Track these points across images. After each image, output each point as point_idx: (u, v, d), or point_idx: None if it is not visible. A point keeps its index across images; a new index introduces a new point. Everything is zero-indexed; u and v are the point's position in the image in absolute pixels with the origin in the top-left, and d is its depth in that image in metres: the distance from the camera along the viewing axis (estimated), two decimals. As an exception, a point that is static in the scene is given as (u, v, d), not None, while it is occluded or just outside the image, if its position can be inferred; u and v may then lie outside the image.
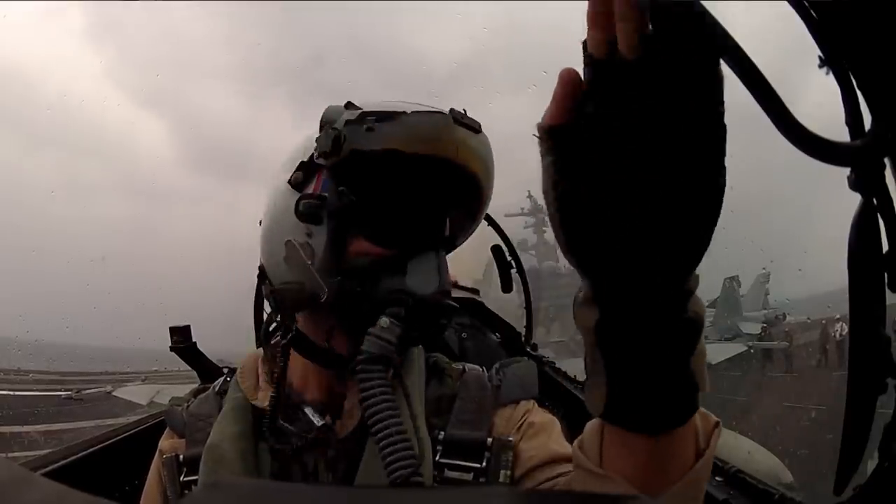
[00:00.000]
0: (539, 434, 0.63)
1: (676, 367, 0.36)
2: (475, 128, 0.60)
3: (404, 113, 0.57)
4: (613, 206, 0.33)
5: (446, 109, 0.60)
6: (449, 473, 0.61)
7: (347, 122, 0.57)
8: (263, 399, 0.64)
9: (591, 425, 0.45)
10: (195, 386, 0.91)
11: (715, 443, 0.42)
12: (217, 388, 0.72)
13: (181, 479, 0.65)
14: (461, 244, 0.75)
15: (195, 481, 0.63)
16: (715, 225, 0.33)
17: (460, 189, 0.62)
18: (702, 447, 0.41)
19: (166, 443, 0.70)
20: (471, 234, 0.74)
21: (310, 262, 0.58)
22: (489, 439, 0.62)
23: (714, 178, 0.31)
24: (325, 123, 0.59)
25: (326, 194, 0.58)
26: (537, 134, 0.35)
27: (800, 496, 0.92)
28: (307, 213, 0.58)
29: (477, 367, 0.72)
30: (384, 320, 0.55)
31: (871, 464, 0.40)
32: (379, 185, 0.58)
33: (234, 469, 0.60)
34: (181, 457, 0.66)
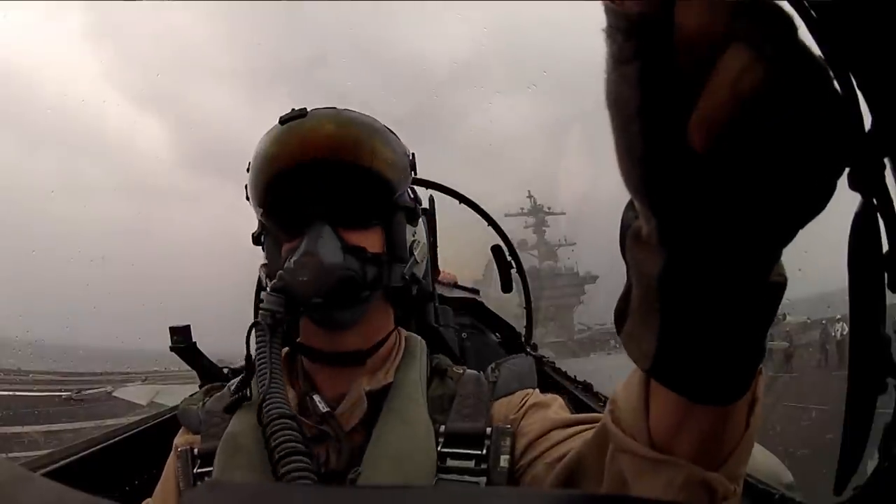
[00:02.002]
0: (539, 409, 0.65)
1: (754, 336, 0.31)
2: (301, 114, 0.68)
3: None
4: (720, 144, 0.23)
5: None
6: (451, 462, 0.63)
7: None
8: None
9: (628, 401, 0.41)
10: (198, 386, 0.92)
11: (761, 391, 0.38)
12: (233, 387, 0.73)
13: (195, 471, 0.67)
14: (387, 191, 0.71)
15: (209, 473, 0.65)
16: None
17: (330, 172, 0.67)
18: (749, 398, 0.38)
19: (181, 438, 0.73)
20: (383, 175, 0.70)
21: (265, 274, 0.73)
22: (488, 429, 0.64)
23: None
24: None
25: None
26: (612, 25, 0.25)
27: (800, 496, 0.92)
28: (253, 238, 0.76)
29: (475, 371, 0.75)
30: (264, 294, 0.66)
31: (871, 464, 0.39)
32: (265, 200, 0.71)
33: (250, 457, 0.62)
34: (196, 450, 0.68)
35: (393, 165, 0.71)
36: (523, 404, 0.67)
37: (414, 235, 0.76)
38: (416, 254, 0.74)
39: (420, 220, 0.79)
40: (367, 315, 0.70)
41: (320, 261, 0.63)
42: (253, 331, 0.65)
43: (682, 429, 0.37)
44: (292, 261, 0.64)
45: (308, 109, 0.69)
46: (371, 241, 0.68)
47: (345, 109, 0.71)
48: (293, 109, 0.70)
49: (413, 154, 0.78)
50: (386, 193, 0.71)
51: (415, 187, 0.79)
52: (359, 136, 0.69)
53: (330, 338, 0.70)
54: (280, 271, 0.65)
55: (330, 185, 0.67)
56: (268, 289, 0.66)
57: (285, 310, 0.64)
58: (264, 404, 0.59)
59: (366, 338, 0.71)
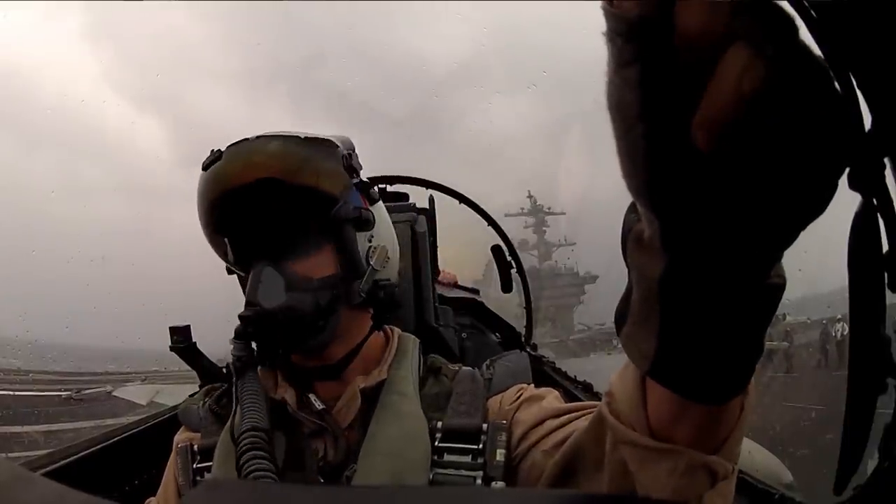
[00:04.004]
0: (534, 401, 0.66)
1: (753, 338, 0.31)
2: (217, 157, 0.66)
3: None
4: (722, 144, 0.23)
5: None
6: (448, 457, 0.64)
7: None
8: (282, 393, 0.70)
9: (625, 392, 0.41)
10: (198, 386, 0.93)
11: (752, 386, 0.38)
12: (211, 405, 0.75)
13: (194, 466, 0.68)
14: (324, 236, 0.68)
15: (208, 468, 0.66)
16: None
17: (257, 202, 0.65)
18: None
19: (182, 436, 0.74)
20: (322, 220, 0.67)
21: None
22: (484, 425, 0.65)
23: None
24: None
25: None
26: (612, 28, 0.25)
27: (800, 496, 0.92)
28: (227, 270, 0.76)
29: (470, 368, 0.76)
30: (230, 340, 0.67)
31: (871, 464, 0.39)
32: (211, 241, 0.72)
33: None
34: (196, 446, 0.70)
35: (324, 175, 0.66)
36: (518, 398, 0.68)
37: (370, 241, 0.71)
38: (373, 262, 0.71)
39: (374, 222, 0.72)
40: (335, 334, 0.69)
41: (262, 309, 0.63)
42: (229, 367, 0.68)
43: (680, 418, 0.38)
44: (241, 313, 0.65)
45: (223, 149, 0.67)
46: (319, 264, 0.66)
47: (259, 136, 0.67)
48: (212, 151, 0.68)
49: (351, 153, 0.71)
50: (322, 209, 0.66)
51: (366, 182, 0.73)
52: (277, 155, 0.65)
53: (305, 359, 0.72)
54: (239, 315, 0.66)
55: (261, 217, 0.66)
56: (232, 335, 0.68)
57: (248, 354, 0.67)
58: (238, 437, 0.59)
59: (340, 350, 0.71)
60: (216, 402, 0.74)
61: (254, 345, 0.68)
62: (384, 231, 0.75)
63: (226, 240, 0.70)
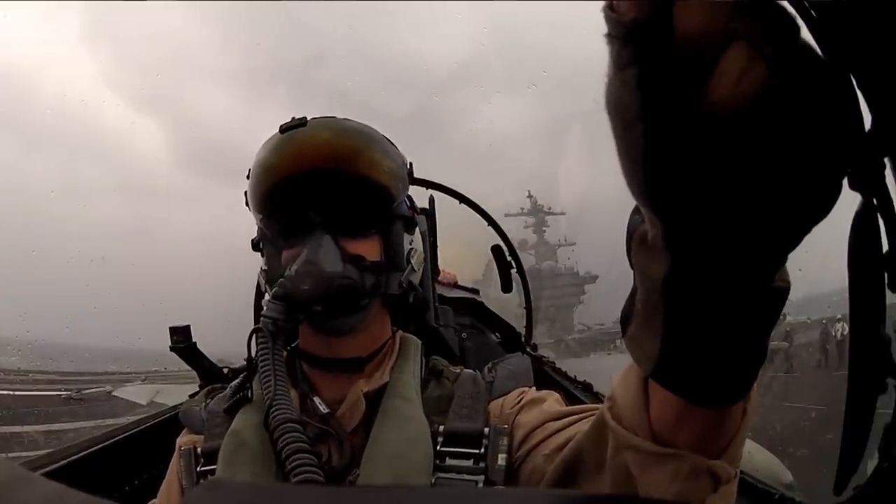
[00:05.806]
0: (536, 404, 0.66)
1: (756, 342, 0.31)
2: (301, 123, 0.69)
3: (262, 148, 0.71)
4: (722, 143, 0.24)
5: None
6: (450, 461, 0.64)
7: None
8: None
9: (628, 396, 0.41)
10: (199, 386, 0.93)
11: (754, 390, 0.37)
12: (233, 389, 0.74)
13: (198, 469, 0.68)
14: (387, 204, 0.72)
15: (212, 471, 0.66)
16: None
17: (331, 180, 0.68)
18: None
19: (184, 438, 0.74)
20: (380, 189, 0.70)
21: (265, 280, 0.73)
22: (486, 429, 0.65)
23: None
24: None
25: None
26: (610, 31, 0.25)
27: (800, 496, 0.92)
28: (253, 244, 0.76)
29: (472, 370, 0.76)
30: (266, 300, 0.67)
31: (871, 464, 0.40)
32: (264, 207, 0.71)
33: (252, 453, 0.63)
34: (199, 449, 0.69)
35: (391, 174, 0.71)
36: (519, 401, 0.68)
37: (411, 244, 0.76)
38: (413, 262, 0.75)
39: (417, 229, 0.79)
40: (365, 322, 0.71)
41: (321, 270, 0.64)
42: (255, 336, 0.66)
43: (683, 423, 0.38)
44: (293, 269, 0.65)
45: (308, 118, 0.69)
46: (369, 249, 0.69)
47: (344, 119, 0.72)
48: (293, 118, 0.70)
49: (411, 164, 0.79)
50: (384, 202, 0.71)
51: (412, 196, 0.80)
52: (358, 145, 0.70)
53: (328, 344, 0.71)
54: (281, 279, 0.66)
55: (329, 194, 0.68)
56: (268, 296, 0.67)
57: (286, 317, 0.65)
58: (271, 410, 0.60)
59: (363, 345, 0.72)
60: (233, 393, 0.71)
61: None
62: (418, 242, 0.80)
63: (285, 206, 0.70)
